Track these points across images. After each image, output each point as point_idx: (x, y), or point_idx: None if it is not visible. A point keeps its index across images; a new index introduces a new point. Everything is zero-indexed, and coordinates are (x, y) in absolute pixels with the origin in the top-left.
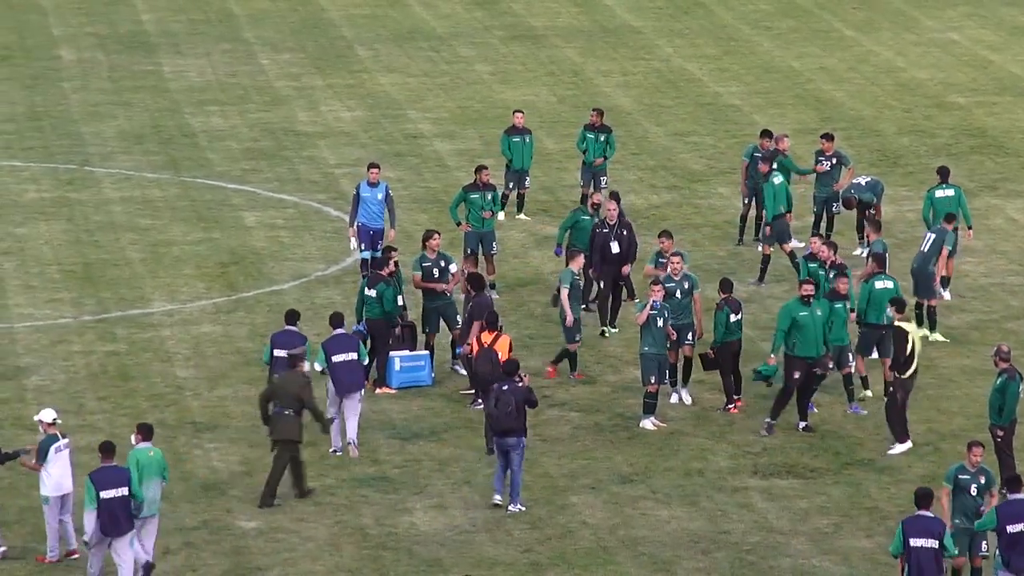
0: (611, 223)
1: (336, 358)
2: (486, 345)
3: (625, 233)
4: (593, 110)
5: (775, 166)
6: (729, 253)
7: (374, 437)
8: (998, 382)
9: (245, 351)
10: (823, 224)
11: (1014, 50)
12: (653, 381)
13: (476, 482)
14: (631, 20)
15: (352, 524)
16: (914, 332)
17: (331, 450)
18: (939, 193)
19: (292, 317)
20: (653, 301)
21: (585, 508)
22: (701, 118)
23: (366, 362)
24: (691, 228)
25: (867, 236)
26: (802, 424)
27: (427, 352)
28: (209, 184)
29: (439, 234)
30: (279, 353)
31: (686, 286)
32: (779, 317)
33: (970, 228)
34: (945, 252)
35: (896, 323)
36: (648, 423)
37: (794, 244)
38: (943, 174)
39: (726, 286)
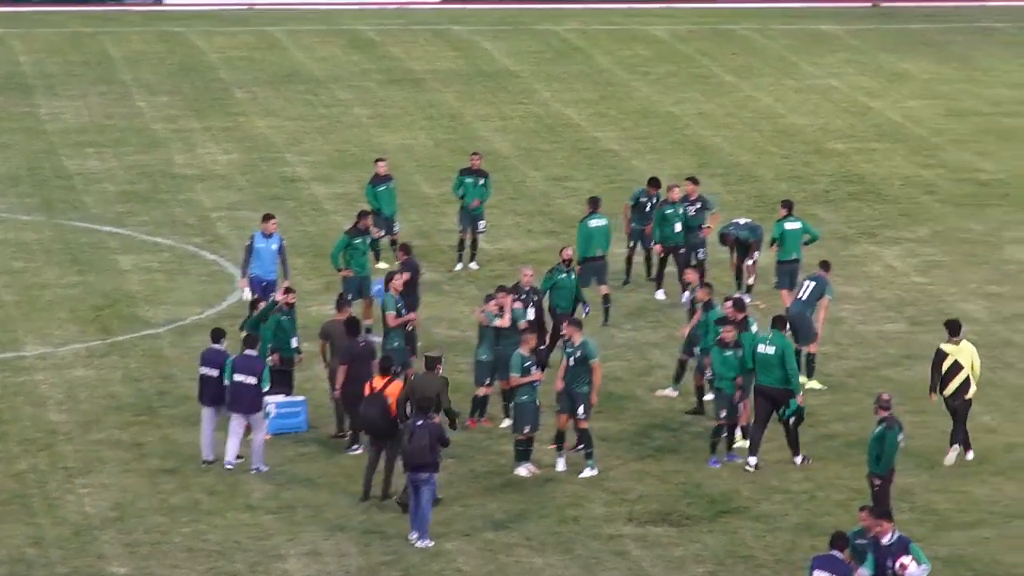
0: (526, 288)
1: (237, 377)
2: (377, 390)
3: (536, 299)
4: (474, 153)
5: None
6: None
7: (248, 482)
8: (877, 430)
9: (119, 395)
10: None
11: (893, 96)
12: (527, 431)
13: (350, 528)
14: (509, 64)
15: (225, 570)
16: (958, 355)
17: (202, 461)
18: (788, 226)
19: (217, 335)
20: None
21: (459, 555)
22: (578, 163)
23: (266, 388)
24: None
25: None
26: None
27: (303, 398)
28: (84, 227)
29: (402, 275)
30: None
31: (579, 354)
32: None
33: (816, 239)
34: (826, 301)
35: (941, 344)
36: (522, 470)
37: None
38: (788, 206)
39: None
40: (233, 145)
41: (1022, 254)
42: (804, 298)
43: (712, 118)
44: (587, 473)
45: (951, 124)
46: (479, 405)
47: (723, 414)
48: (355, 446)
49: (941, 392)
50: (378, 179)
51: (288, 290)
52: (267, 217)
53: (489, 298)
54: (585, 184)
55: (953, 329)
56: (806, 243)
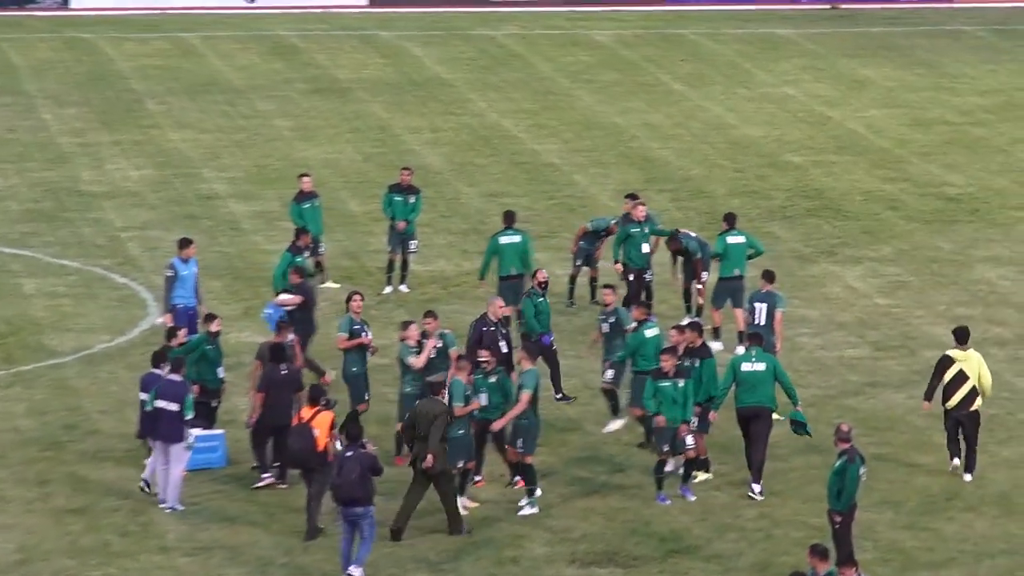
0: (496, 319)
1: (159, 403)
2: (304, 421)
3: (505, 331)
4: (404, 168)
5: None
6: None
7: (161, 521)
8: (837, 464)
9: (23, 429)
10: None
11: (853, 105)
12: (460, 464)
13: (273, 571)
14: (442, 72)
15: None
16: (965, 363)
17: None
18: (731, 239)
19: (157, 359)
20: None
21: None
22: (516, 178)
23: (189, 416)
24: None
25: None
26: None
27: (221, 432)
28: None
29: (361, 295)
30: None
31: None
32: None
33: (761, 253)
34: (780, 315)
35: (948, 351)
36: (463, 502)
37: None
38: (731, 220)
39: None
40: (145, 160)
41: (993, 274)
42: (763, 323)
43: (660, 129)
44: (527, 511)
45: (916, 135)
46: (403, 440)
47: (666, 448)
48: (264, 475)
49: (943, 403)
50: (302, 196)
51: (211, 317)
52: (185, 242)
53: (406, 325)
54: (523, 200)
55: (961, 336)
56: (750, 257)
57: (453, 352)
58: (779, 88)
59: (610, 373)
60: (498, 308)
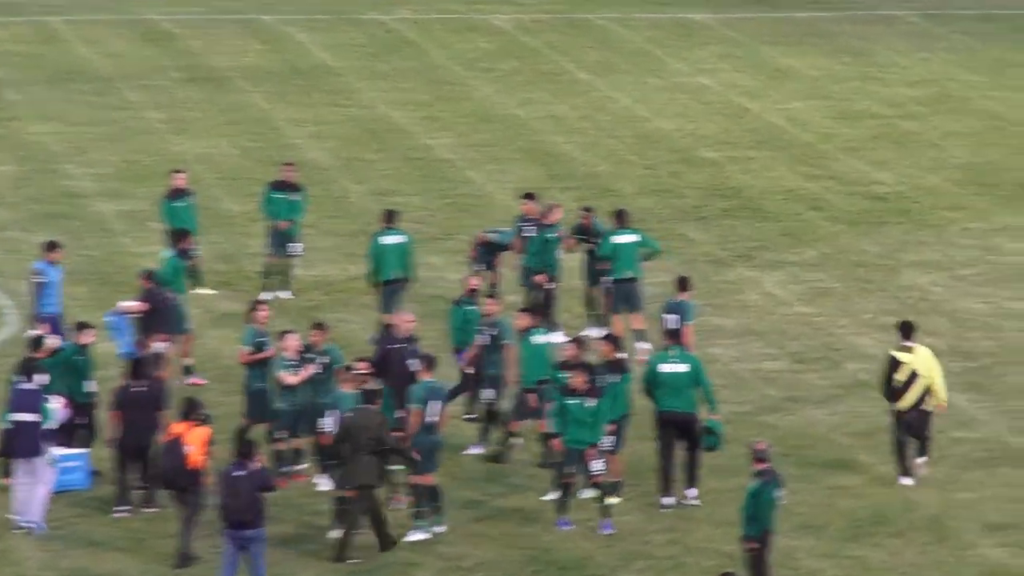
0: (403, 335)
1: (16, 416)
2: (176, 437)
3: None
4: (286, 164)
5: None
6: (441, 333)
7: (20, 547)
8: (752, 486)
9: None
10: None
11: (773, 97)
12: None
13: None
14: (328, 60)
15: None
16: (914, 363)
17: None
18: (617, 239)
19: (23, 371)
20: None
21: None
22: (408, 174)
23: (49, 425)
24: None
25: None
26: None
27: (85, 451)
28: None
29: (266, 304)
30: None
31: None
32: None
33: (657, 253)
34: (688, 328)
35: (891, 350)
36: (339, 532)
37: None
38: (621, 218)
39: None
40: (5, 155)
41: (924, 279)
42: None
43: (563, 122)
44: (416, 536)
45: (842, 129)
46: (288, 459)
47: (570, 470)
48: (118, 508)
49: (893, 404)
50: (175, 194)
51: (83, 326)
52: (53, 245)
53: (284, 335)
54: (415, 199)
55: (907, 332)
56: (647, 258)
57: (338, 370)
58: (694, 78)
59: (490, 392)
60: (408, 324)
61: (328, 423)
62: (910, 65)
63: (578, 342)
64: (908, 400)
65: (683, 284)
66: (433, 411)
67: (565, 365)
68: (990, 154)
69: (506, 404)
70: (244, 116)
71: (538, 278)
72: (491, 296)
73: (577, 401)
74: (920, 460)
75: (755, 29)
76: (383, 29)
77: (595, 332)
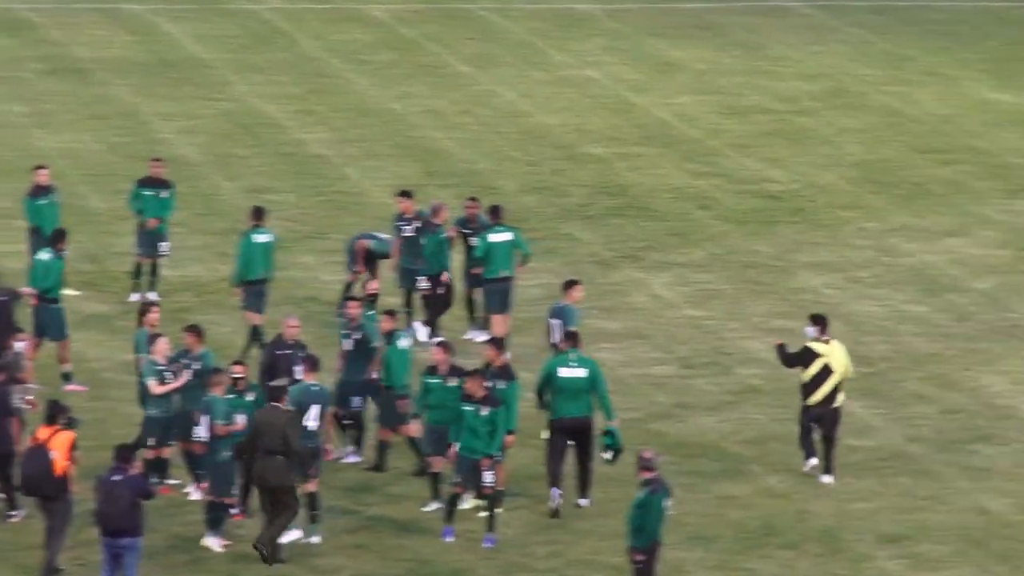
0: (291, 341)
1: None
2: (40, 442)
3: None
4: (154, 160)
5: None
6: (315, 336)
7: None
8: (639, 496)
9: None
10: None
11: (662, 91)
12: (233, 492)
13: None
14: (198, 52)
15: None
16: (829, 357)
17: None
18: (494, 237)
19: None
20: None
21: None
22: (282, 171)
23: None
24: (269, 304)
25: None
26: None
27: None
28: None
29: (157, 306)
30: None
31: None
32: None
33: (528, 257)
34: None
35: (808, 342)
36: (212, 541)
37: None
38: (496, 214)
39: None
40: None
41: (817, 281)
42: (557, 341)
43: (443, 117)
44: (292, 536)
45: (732, 124)
46: (157, 468)
47: (459, 480)
48: (13, 512)
49: (804, 399)
50: (38, 190)
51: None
52: None
53: (154, 338)
54: (289, 196)
55: (822, 325)
56: (520, 263)
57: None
58: (578, 71)
59: (357, 400)
60: (293, 329)
61: (201, 431)
62: (802, 58)
63: (445, 346)
64: (819, 395)
65: (568, 286)
66: (311, 415)
67: (433, 370)
68: (886, 151)
69: (375, 410)
70: (110, 110)
71: (443, 277)
72: (353, 299)
73: (472, 408)
74: (826, 478)
75: (641, 20)
76: (255, 20)
77: (478, 336)
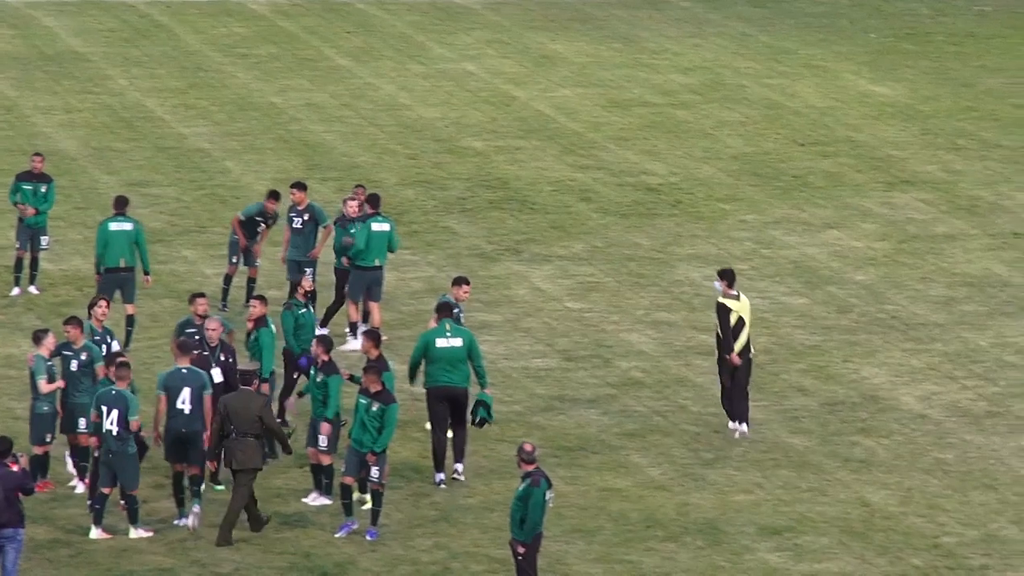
0: (212, 344)
1: None
2: None
3: (230, 360)
4: (34, 154)
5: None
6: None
7: None
8: (520, 488)
9: None
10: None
11: (541, 84)
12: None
13: None
14: (77, 45)
15: None
16: (741, 310)
17: None
18: (375, 227)
19: None
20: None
21: None
22: (162, 165)
23: None
24: (149, 298)
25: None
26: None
27: None
28: None
29: (107, 302)
30: None
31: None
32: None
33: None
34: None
35: (719, 299)
36: (97, 533)
37: None
38: (375, 203)
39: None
40: None
41: (698, 274)
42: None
43: (323, 110)
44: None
45: (612, 117)
46: (40, 465)
47: (348, 471)
48: None
49: (726, 351)
50: None
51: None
52: None
53: (40, 334)
54: (169, 191)
55: (730, 280)
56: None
57: (100, 368)
58: (458, 64)
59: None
60: (214, 332)
61: (84, 423)
62: (682, 51)
63: (321, 340)
64: (736, 347)
65: (460, 283)
66: (184, 398)
67: (311, 362)
68: (765, 144)
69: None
70: None
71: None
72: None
73: (366, 402)
74: (740, 428)
75: (521, 14)
76: (134, 13)
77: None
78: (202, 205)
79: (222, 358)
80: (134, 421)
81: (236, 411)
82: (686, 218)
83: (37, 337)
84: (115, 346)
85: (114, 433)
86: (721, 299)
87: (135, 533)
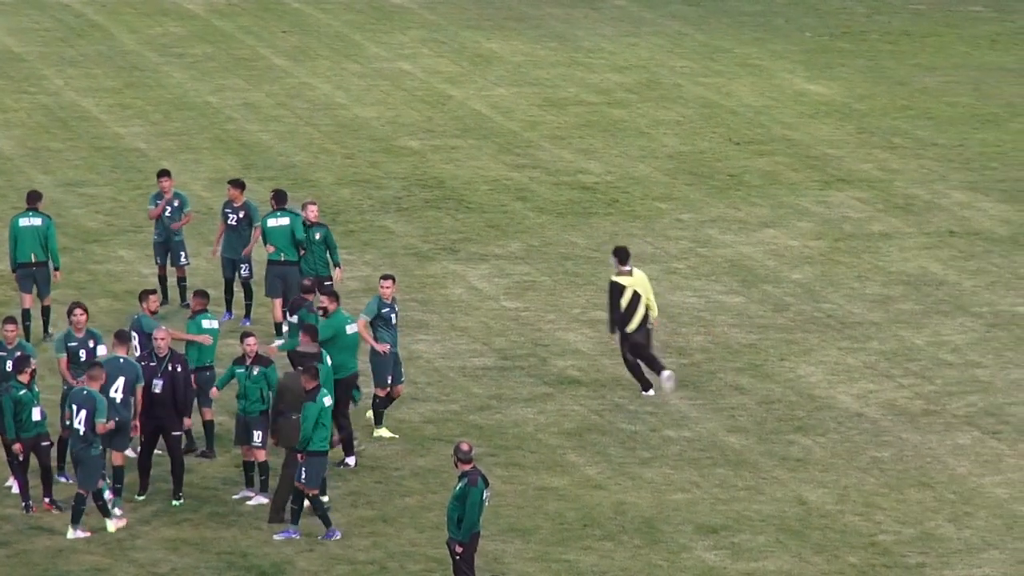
0: (160, 354)
1: None
2: None
3: (179, 370)
4: None
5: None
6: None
7: None
8: (457, 488)
9: None
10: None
11: (477, 83)
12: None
13: None
14: (12, 45)
15: None
16: (635, 284)
17: None
18: (272, 222)
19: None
20: None
21: None
22: (98, 164)
23: None
24: (86, 297)
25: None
26: None
27: None
28: None
29: (82, 308)
30: None
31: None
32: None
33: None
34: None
35: (612, 277)
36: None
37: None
38: (280, 199)
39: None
40: None
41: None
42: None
43: (259, 109)
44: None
45: (548, 116)
46: None
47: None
48: None
49: (622, 329)
50: None
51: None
52: None
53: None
54: (105, 190)
55: (623, 256)
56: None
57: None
58: (394, 63)
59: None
60: (163, 342)
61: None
62: (617, 50)
63: (305, 330)
64: (635, 322)
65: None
66: (116, 387)
67: (242, 360)
68: (701, 143)
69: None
70: None
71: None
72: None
73: (243, 370)
74: (665, 374)
75: (456, 13)
76: (70, 13)
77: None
78: (139, 205)
79: (171, 368)
80: (100, 423)
81: (289, 390)
82: (622, 217)
83: None
84: (101, 350)
85: (80, 433)
86: (614, 277)
87: (73, 534)
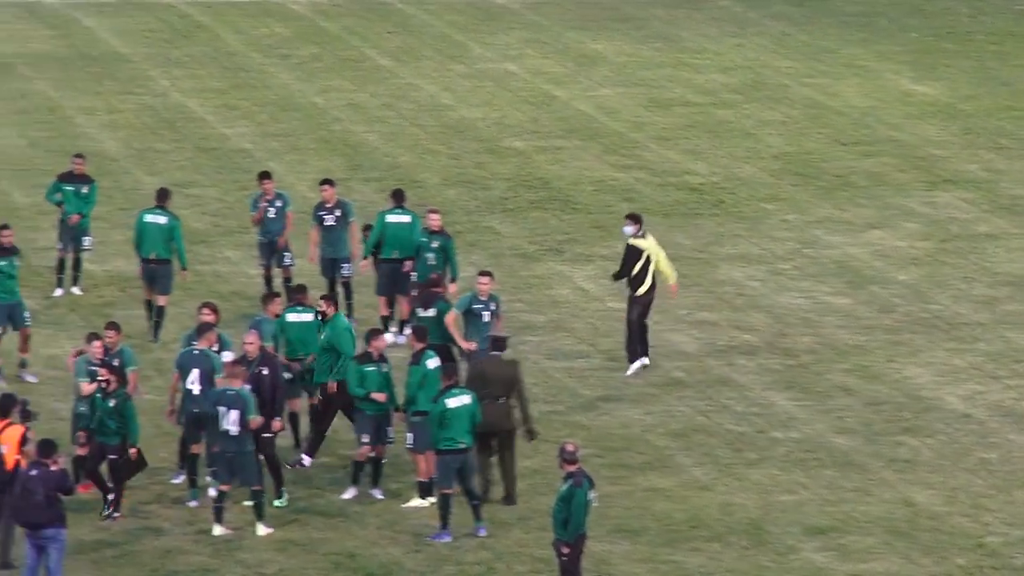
0: (250, 358)
1: None
2: None
3: (265, 372)
4: (76, 156)
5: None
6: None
7: None
8: (563, 489)
9: None
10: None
11: (582, 84)
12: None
13: None
14: (118, 46)
15: None
16: (649, 249)
17: None
18: (391, 218)
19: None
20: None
21: None
22: (204, 165)
23: None
24: (191, 299)
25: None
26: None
27: None
28: None
29: (101, 342)
30: None
31: None
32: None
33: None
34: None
35: (630, 241)
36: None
37: None
38: (398, 197)
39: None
40: None
41: (740, 273)
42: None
43: (365, 110)
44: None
45: (654, 117)
46: (81, 465)
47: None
48: None
49: (634, 292)
50: None
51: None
52: None
53: (93, 337)
54: (211, 191)
55: (639, 222)
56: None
57: (132, 374)
58: (499, 64)
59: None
60: (251, 345)
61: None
62: (723, 51)
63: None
64: (647, 284)
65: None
66: (192, 379)
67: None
68: (807, 143)
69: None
70: (31, 104)
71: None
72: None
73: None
74: (643, 361)
75: (560, 13)
76: (175, 14)
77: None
78: (244, 206)
79: (258, 371)
80: (253, 420)
81: (491, 375)
82: (728, 218)
83: (88, 339)
84: (226, 355)
85: (232, 434)
86: (632, 241)
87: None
